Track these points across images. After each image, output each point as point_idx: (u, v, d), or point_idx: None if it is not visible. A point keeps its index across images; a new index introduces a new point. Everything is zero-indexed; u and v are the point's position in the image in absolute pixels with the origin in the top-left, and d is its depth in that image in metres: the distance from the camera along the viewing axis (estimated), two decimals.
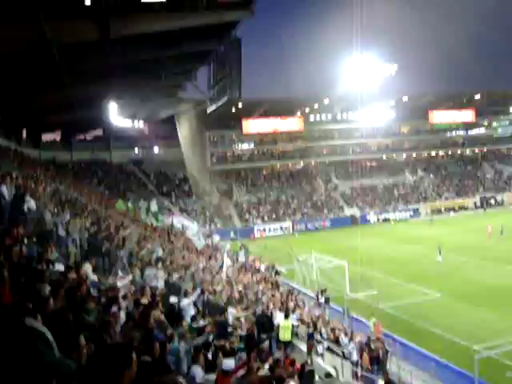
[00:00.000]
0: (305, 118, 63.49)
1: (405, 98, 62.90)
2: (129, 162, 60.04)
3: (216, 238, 37.52)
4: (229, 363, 6.98)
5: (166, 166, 59.77)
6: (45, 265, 7.30)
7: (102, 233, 14.64)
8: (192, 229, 34.87)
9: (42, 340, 1.69)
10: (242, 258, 28.69)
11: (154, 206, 33.05)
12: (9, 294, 5.06)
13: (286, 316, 14.32)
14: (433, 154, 74.13)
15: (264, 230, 52.90)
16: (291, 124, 63.34)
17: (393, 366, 15.84)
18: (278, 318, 14.42)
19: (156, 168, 59.62)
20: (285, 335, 13.63)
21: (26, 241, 8.04)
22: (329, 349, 15.70)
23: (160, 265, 14.43)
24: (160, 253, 17.24)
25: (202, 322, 10.34)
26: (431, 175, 70.24)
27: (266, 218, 55.11)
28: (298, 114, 63.36)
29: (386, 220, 57.58)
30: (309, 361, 13.64)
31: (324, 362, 14.84)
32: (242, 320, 12.96)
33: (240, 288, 17.81)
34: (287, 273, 28.38)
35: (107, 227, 15.65)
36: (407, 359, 16.24)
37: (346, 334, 16.78)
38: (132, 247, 15.56)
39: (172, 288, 12.25)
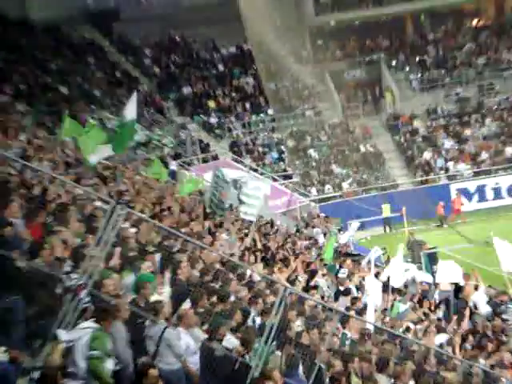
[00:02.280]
0: None
1: None
2: (76, 16, 28.72)
3: (334, 224, 20.99)
4: None
5: (184, 23, 28.49)
6: None
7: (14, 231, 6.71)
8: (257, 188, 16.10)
9: None
10: (419, 277, 15.21)
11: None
12: None
13: None
14: None
15: (481, 189, 25.64)
16: None
17: None
18: None
19: (157, 28, 29.10)
20: None
21: None
22: None
23: (184, 311, 6.48)
24: (184, 275, 8.09)
25: None
26: None
27: (481, 160, 26.36)
28: None
29: None
30: None
31: None
32: None
33: (429, 364, 8.40)
34: None
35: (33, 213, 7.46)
36: None
37: None
38: (100, 267, 6.41)
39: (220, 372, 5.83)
